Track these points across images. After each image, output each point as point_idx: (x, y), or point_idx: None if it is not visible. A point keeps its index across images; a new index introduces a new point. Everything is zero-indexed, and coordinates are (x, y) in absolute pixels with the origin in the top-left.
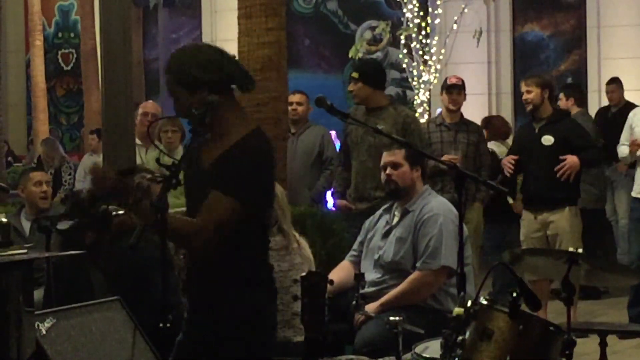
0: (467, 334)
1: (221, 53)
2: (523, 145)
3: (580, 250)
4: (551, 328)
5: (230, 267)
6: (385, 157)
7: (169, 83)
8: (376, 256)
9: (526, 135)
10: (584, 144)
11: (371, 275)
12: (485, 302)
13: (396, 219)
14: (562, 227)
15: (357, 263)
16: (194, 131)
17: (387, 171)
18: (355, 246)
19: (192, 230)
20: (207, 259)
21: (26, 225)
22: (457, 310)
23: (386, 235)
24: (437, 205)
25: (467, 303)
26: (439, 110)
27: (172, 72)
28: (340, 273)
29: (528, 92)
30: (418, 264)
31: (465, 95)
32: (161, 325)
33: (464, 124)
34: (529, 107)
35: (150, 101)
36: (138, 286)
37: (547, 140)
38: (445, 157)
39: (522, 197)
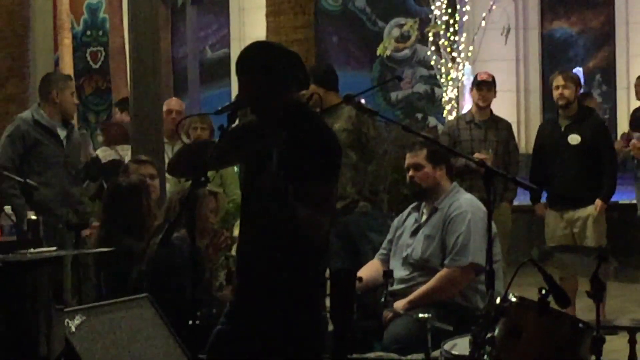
0: (496, 331)
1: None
2: (548, 143)
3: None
4: (580, 325)
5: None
6: (408, 159)
7: (251, 80)
8: (405, 254)
9: (551, 133)
10: (604, 149)
11: (400, 272)
12: (514, 300)
13: (424, 217)
14: (589, 224)
15: (386, 261)
16: (221, 127)
17: (410, 173)
18: (384, 244)
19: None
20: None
21: None
22: (487, 307)
23: (415, 233)
24: (465, 202)
25: (496, 300)
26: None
27: (260, 69)
28: (369, 270)
29: (565, 87)
30: (446, 261)
31: (495, 92)
32: (190, 322)
33: (494, 121)
34: (562, 102)
35: (174, 98)
36: (170, 283)
37: (574, 139)
38: (476, 156)
39: (547, 196)
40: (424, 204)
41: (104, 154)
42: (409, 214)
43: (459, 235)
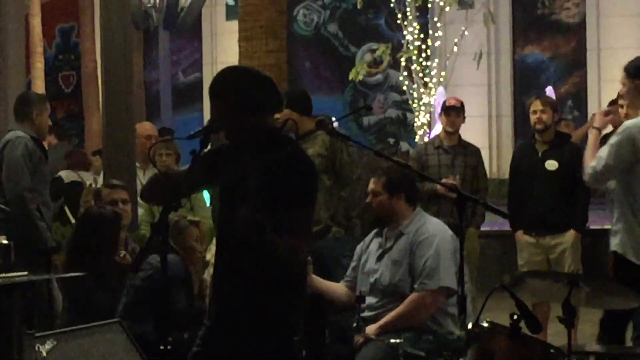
0: (468, 356)
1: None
2: (524, 169)
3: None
4: (552, 350)
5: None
6: (369, 185)
7: (224, 105)
8: (372, 279)
9: (528, 158)
10: (579, 176)
11: (369, 299)
12: (486, 325)
13: (389, 243)
14: (565, 250)
15: (351, 289)
16: (193, 152)
17: (368, 199)
18: (348, 272)
19: None
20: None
21: None
22: (458, 332)
23: (380, 258)
24: (432, 226)
25: (467, 325)
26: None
27: (233, 94)
28: (336, 288)
29: (543, 111)
30: (415, 285)
31: (464, 117)
32: (162, 347)
33: (463, 147)
34: (540, 127)
35: (147, 122)
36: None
37: (552, 165)
38: (444, 182)
39: (519, 222)
40: (386, 229)
41: (67, 174)
42: (372, 239)
43: (427, 259)
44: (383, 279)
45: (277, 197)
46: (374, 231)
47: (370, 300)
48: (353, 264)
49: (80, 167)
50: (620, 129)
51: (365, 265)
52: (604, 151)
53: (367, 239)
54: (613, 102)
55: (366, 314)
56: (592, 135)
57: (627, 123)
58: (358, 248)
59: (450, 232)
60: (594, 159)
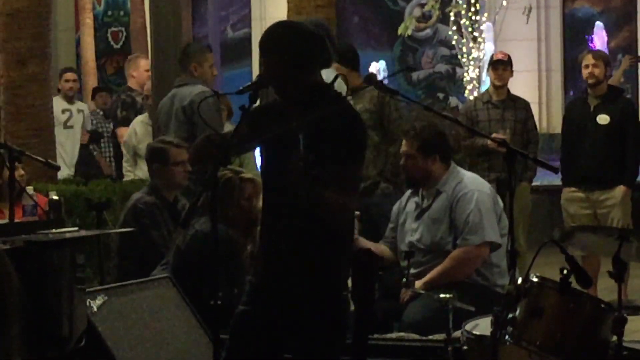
0: (518, 311)
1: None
2: (575, 123)
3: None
4: (602, 305)
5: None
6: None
7: (274, 60)
8: (413, 239)
9: (579, 112)
10: (630, 131)
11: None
12: (536, 280)
13: (427, 202)
14: (614, 205)
15: (392, 249)
16: (243, 108)
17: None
18: (387, 232)
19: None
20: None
21: None
22: (508, 287)
23: (418, 217)
24: (469, 182)
25: (517, 280)
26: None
27: (283, 49)
28: (379, 251)
29: (595, 65)
30: (458, 241)
31: (512, 71)
32: (212, 302)
33: (512, 100)
34: (592, 81)
35: None
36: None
37: (603, 119)
38: (494, 136)
39: (569, 176)
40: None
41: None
42: (408, 199)
43: (469, 214)
44: (424, 238)
45: (326, 152)
46: (409, 191)
47: (412, 259)
48: (391, 224)
49: None
50: None
51: (404, 225)
52: None
53: (403, 198)
54: None
55: (410, 271)
56: None
57: None
58: (395, 208)
59: (487, 185)
60: None
